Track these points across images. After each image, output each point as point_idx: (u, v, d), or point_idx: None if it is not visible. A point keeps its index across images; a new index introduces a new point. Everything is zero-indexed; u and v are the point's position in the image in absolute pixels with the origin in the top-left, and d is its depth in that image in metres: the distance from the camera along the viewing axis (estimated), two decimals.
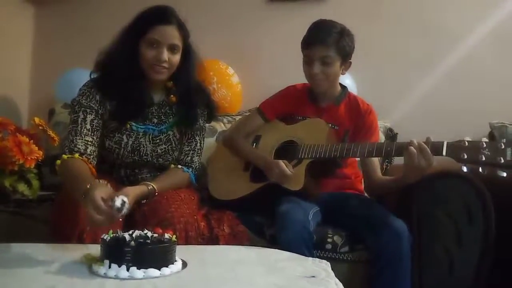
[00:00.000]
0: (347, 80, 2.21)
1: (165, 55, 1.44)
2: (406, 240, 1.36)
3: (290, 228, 1.37)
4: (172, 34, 1.45)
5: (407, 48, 2.34)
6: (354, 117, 1.68)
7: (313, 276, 1.03)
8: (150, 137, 1.54)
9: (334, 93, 1.71)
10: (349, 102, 1.71)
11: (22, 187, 1.69)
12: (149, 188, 1.39)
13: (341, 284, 1.02)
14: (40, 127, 1.81)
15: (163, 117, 1.56)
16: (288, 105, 1.75)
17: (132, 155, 1.52)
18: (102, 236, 1.03)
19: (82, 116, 1.46)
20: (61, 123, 2.23)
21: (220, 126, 2.16)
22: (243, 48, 2.48)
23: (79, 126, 1.45)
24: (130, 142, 1.51)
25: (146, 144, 1.53)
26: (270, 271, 1.06)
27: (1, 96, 2.49)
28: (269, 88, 1.85)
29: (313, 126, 1.65)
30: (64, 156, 1.39)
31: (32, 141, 1.69)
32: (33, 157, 1.67)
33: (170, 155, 1.56)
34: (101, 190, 1.18)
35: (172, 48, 1.46)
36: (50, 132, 1.84)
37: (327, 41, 1.57)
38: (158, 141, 1.54)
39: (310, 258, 1.19)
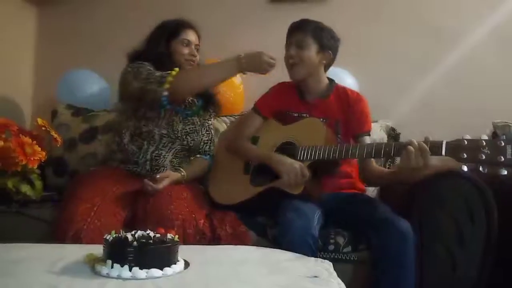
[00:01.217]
0: (348, 79, 2.21)
1: (195, 51, 1.82)
2: (411, 241, 1.35)
3: (295, 236, 1.35)
4: (196, 36, 1.85)
5: (409, 47, 2.34)
6: (344, 107, 1.69)
7: (316, 276, 1.03)
8: (180, 117, 1.79)
9: (320, 88, 1.73)
10: (337, 93, 1.72)
11: (25, 188, 1.69)
12: (181, 174, 1.67)
13: (343, 284, 1.02)
14: (43, 128, 1.81)
15: (187, 105, 1.83)
16: (281, 101, 1.76)
17: (167, 127, 1.74)
18: (105, 236, 1.03)
19: (149, 67, 1.71)
20: (63, 124, 2.23)
21: (222, 127, 2.17)
22: (245, 49, 2.46)
23: (151, 68, 1.70)
24: (166, 116, 1.75)
25: (177, 122, 1.78)
26: (273, 271, 1.05)
27: (3, 97, 2.50)
28: (270, 85, 1.84)
29: (310, 126, 1.64)
30: (173, 72, 1.65)
31: (35, 142, 1.69)
32: (36, 158, 1.67)
33: (195, 135, 1.82)
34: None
35: (197, 48, 1.84)
36: (53, 133, 1.84)
37: (304, 28, 1.68)
38: (186, 121, 1.81)
39: (313, 258, 1.19)
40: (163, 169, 1.69)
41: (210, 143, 1.87)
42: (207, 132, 1.88)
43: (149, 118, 1.72)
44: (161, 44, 1.80)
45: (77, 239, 1.34)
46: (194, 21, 1.86)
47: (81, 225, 1.37)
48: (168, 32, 1.82)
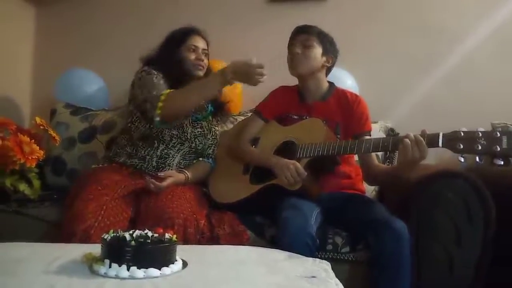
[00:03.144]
0: (348, 80, 2.21)
1: (202, 56, 1.87)
2: (406, 241, 1.36)
3: (293, 235, 1.36)
4: (203, 41, 1.91)
5: (408, 48, 2.34)
6: (344, 109, 1.71)
7: (314, 277, 1.03)
8: (190, 120, 1.83)
9: (320, 90, 1.75)
10: (337, 96, 1.74)
11: (23, 187, 1.69)
12: (185, 175, 1.70)
13: (341, 284, 1.02)
14: (41, 127, 1.81)
15: (198, 109, 1.86)
16: (281, 104, 1.78)
17: (177, 128, 1.78)
18: (102, 236, 1.03)
19: (155, 78, 1.74)
20: (62, 123, 2.23)
21: (221, 127, 2.16)
22: (244, 48, 2.47)
23: (154, 81, 1.73)
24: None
25: (187, 124, 1.81)
26: (271, 271, 1.06)
27: (2, 96, 2.50)
28: (269, 89, 1.85)
29: (311, 125, 1.65)
30: (165, 92, 1.67)
31: (33, 140, 1.69)
32: (34, 157, 1.67)
33: (203, 138, 1.85)
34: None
35: (204, 53, 1.89)
36: (51, 132, 1.84)
37: (308, 31, 1.72)
38: (195, 124, 1.85)
39: (311, 258, 1.19)
40: (169, 169, 1.71)
41: (214, 147, 1.90)
42: (213, 137, 1.91)
43: None
44: (171, 52, 1.85)
45: (86, 237, 1.34)
46: (200, 27, 1.91)
47: (92, 222, 1.38)
48: (176, 40, 1.88)
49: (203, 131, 1.86)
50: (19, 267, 1.02)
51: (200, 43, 1.89)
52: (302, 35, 1.71)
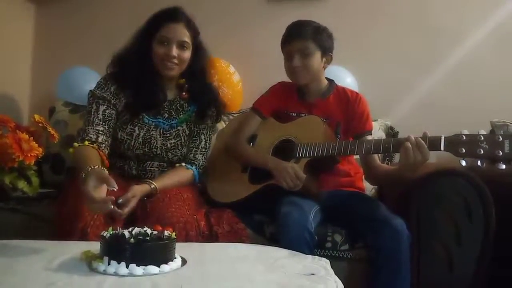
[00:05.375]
0: (348, 78, 2.21)
1: (174, 51, 1.54)
2: (405, 238, 1.36)
3: (292, 230, 1.36)
4: (181, 31, 1.55)
5: (408, 46, 2.34)
6: (344, 107, 1.69)
7: (313, 274, 1.03)
8: (161, 131, 1.61)
9: (320, 88, 1.72)
10: (337, 94, 1.72)
11: (22, 184, 1.68)
12: (151, 187, 1.45)
13: (340, 282, 1.02)
14: (40, 124, 1.80)
15: (173, 113, 1.64)
16: (280, 100, 1.76)
17: (143, 146, 1.58)
18: (101, 233, 1.03)
19: (95, 107, 1.56)
20: (61, 121, 2.23)
21: (220, 125, 2.15)
22: (244, 47, 2.48)
23: (92, 116, 1.54)
24: (142, 134, 1.59)
25: (156, 137, 1.60)
26: (270, 269, 1.06)
27: (2, 94, 2.50)
28: (269, 86, 1.84)
29: (309, 123, 1.64)
30: (75, 144, 1.49)
31: (32, 138, 1.68)
32: (33, 154, 1.66)
33: (179, 150, 1.63)
34: (94, 178, 1.24)
35: (181, 45, 1.55)
36: (50, 129, 1.83)
37: (304, 35, 1.61)
38: (168, 135, 1.62)
39: (310, 256, 1.19)
40: (151, 174, 1.61)
41: (197, 150, 1.67)
42: (194, 139, 1.68)
43: (121, 140, 1.58)
44: (141, 45, 1.57)
45: (84, 235, 1.31)
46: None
47: (89, 220, 1.33)
48: (148, 29, 1.58)
49: (180, 140, 1.63)
50: (18, 264, 1.02)
51: (174, 33, 1.54)
52: (299, 41, 1.61)
